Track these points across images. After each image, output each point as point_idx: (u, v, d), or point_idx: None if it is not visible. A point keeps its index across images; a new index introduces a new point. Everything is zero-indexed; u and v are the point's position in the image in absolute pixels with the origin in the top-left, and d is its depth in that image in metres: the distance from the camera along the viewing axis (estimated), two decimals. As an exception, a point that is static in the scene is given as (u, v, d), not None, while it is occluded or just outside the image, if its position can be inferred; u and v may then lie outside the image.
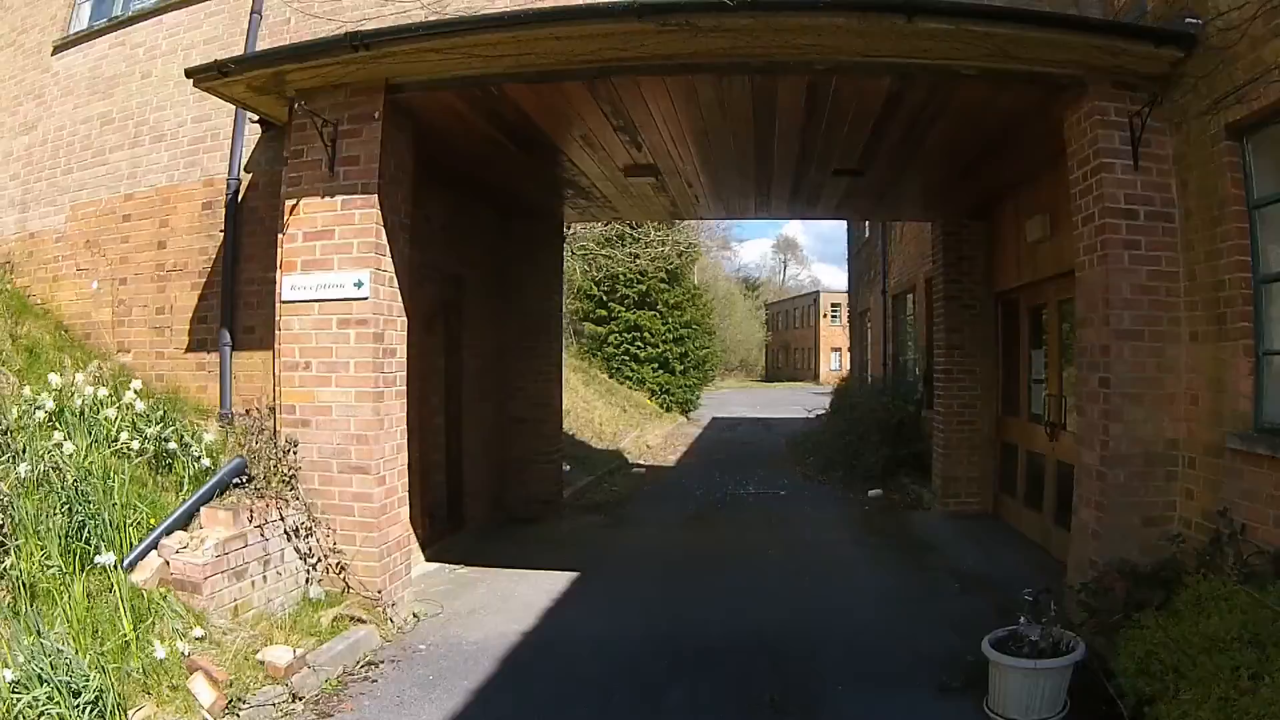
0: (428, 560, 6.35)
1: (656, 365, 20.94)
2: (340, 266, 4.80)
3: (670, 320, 21.15)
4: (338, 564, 4.79)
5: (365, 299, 4.71)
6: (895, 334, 13.16)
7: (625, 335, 20.85)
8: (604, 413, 14.95)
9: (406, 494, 5.05)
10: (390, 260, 4.88)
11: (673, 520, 7.83)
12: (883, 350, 13.52)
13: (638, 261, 16.48)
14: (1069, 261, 6.12)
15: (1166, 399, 4.38)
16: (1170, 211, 4.44)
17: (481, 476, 7.50)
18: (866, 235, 16.28)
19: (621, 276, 20.79)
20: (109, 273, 6.34)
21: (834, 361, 51.15)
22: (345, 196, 4.82)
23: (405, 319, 5.02)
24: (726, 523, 7.73)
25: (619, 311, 20.85)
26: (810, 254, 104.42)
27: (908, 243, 11.88)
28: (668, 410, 20.54)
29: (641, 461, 12.18)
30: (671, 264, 18.02)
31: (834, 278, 59.53)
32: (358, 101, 4.80)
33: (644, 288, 20.79)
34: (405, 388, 5.02)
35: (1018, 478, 7.33)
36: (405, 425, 5.02)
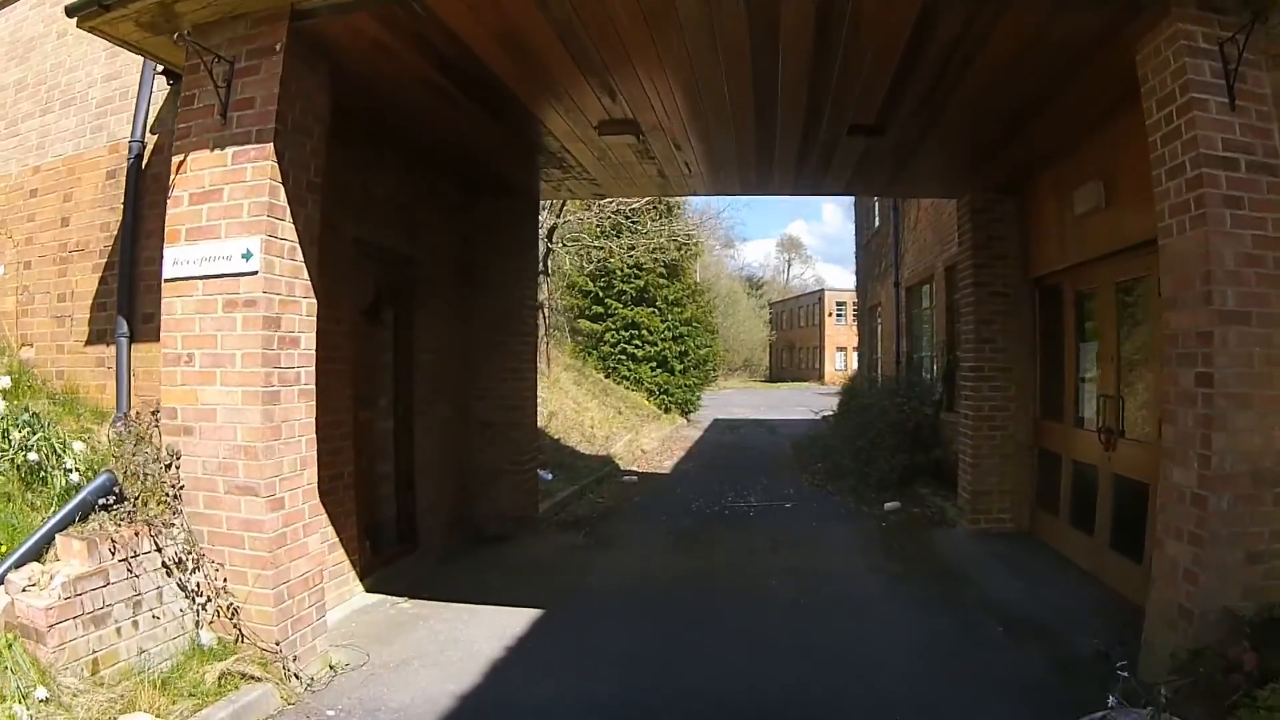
0: (368, 590, 5.37)
1: (655, 364, 19.94)
2: (229, 234, 3.83)
3: (670, 317, 20.15)
4: (229, 606, 3.82)
5: (254, 274, 3.73)
6: (909, 329, 12.14)
7: (622, 333, 19.86)
8: (597, 414, 13.97)
9: (318, 519, 4.07)
10: (292, 227, 3.89)
11: (662, 540, 6.83)
12: (895, 347, 12.49)
13: (634, 254, 15.44)
14: (1132, 234, 5.13)
15: (1275, 401, 3.42)
16: (1274, 163, 3.53)
17: (440, 490, 6.52)
18: (876, 225, 15.27)
19: (619, 271, 19.79)
20: (15, 256, 5.45)
21: (839, 361, 50.18)
22: (237, 148, 3.85)
23: (313, 301, 4.03)
24: (724, 544, 6.71)
25: (616, 308, 19.85)
26: (814, 254, 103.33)
27: (923, 229, 10.87)
28: (666, 411, 19.54)
29: (634, 468, 11.17)
30: (670, 256, 16.96)
31: (838, 277, 58.54)
32: (259, 34, 3.84)
33: (642, 283, 19.79)
34: (313, 386, 4.03)
35: (1061, 492, 6.31)
36: (313, 434, 4.03)
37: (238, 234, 3.81)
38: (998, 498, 6.95)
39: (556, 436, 10.98)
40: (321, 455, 4.95)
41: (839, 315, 51.27)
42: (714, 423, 19.91)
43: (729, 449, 14.02)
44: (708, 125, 5.14)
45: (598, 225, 16.14)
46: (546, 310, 14.39)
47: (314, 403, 4.04)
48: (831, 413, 18.32)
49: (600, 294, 20.14)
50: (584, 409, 13.73)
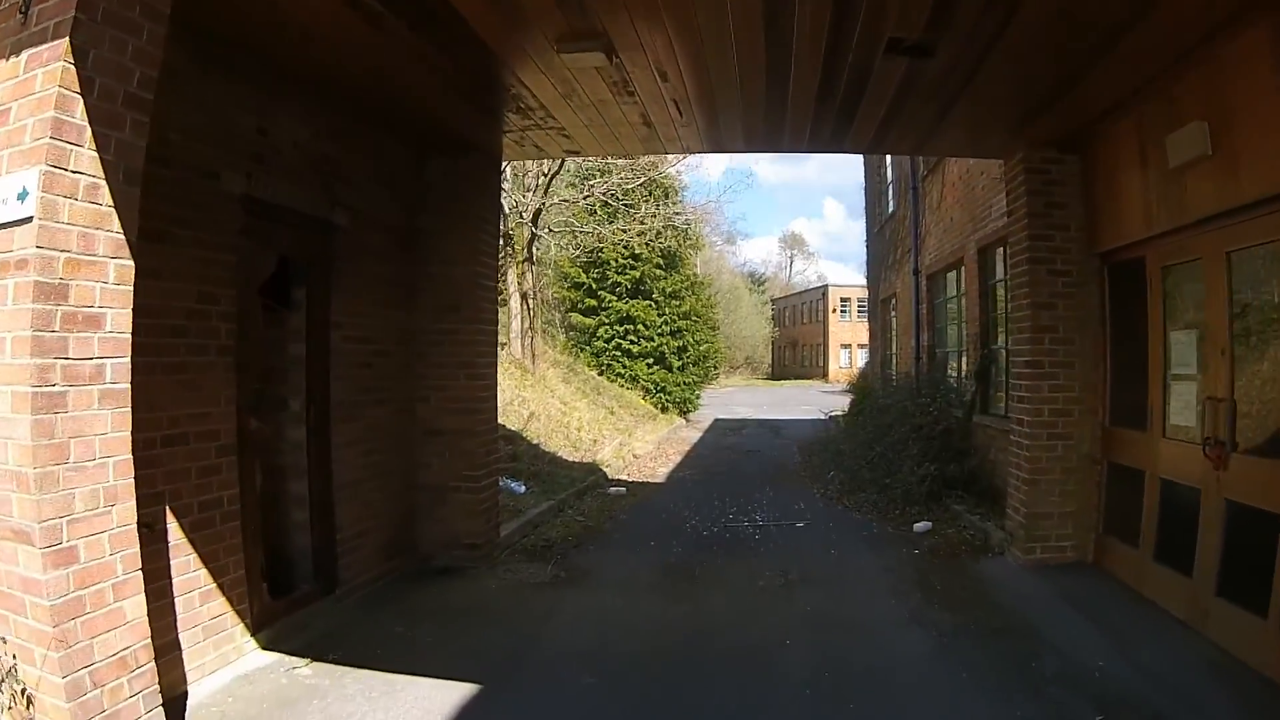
0: (264, 647, 4.16)
1: (651, 361, 18.71)
2: (9, 167, 2.62)
3: (667, 311, 18.91)
4: (23, 692, 2.63)
5: (28, 221, 2.53)
6: (930, 322, 10.90)
7: (617, 327, 18.63)
8: (586, 415, 12.74)
9: (134, 576, 2.83)
10: (94, 157, 2.67)
11: (647, 574, 5.59)
12: (914, 342, 11.25)
13: (626, 237, 14.14)
14: (1253, 188, 3.91)
15: None
16: None
17: (372, 513, 5.29)
18: (891, 210, 14.02)
19: (613, 262, 18.57)
20: None
21: (843, 358, 48.96)
22: (33, 50, 2.64)
23: (128, 264, 2.80)
24: (723, 580, 5.45)
25: (610, 301, 18.63)
26: (816, 251, 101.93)
27: (950, 208, 9.62)
28: (664, 411, 18.31)
29: (623, 477, 9.94)
30: (666, 243, 15.67)
31: (842, 274, 57.19)
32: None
33: (638, 274, 18.56)
34: (127, 386, 2.80)
35: (1142, 518, 5.06)
36: (128, 454, 2.80)
37: (18, 166, 2.60)
38: (1057, 521, 5.71)
39: (535, 441, 9.76)
40: (190, 475, 3.77)
41: (843, 311, 50.05)
42: (715, 423, 18.68)
43: (731, 453, 12.78)
44: (701, 43, 3.89)
45: (588, 209, 14.87)
46: (532, 301, 13.15)
47: (128, 410, 2.80)
48: (840, 413, 17.10)
49: (594, 286, 18.92)
50: (571, 409, 12.50)
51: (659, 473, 10.46)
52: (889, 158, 14.45)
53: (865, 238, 17.07)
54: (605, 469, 9.90)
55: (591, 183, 13.07)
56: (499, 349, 11.58)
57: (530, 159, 5.67)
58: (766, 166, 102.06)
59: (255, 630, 4.16)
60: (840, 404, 23.96)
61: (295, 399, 4.75)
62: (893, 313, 13.99)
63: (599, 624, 4.51)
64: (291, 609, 4.49)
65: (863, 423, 10.87)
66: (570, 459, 9.86)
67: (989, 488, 7.56)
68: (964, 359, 9.46)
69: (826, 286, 51.81)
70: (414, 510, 5.76)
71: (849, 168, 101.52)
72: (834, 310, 49.95)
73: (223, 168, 3.96)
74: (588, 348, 18.92)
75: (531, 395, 11.63)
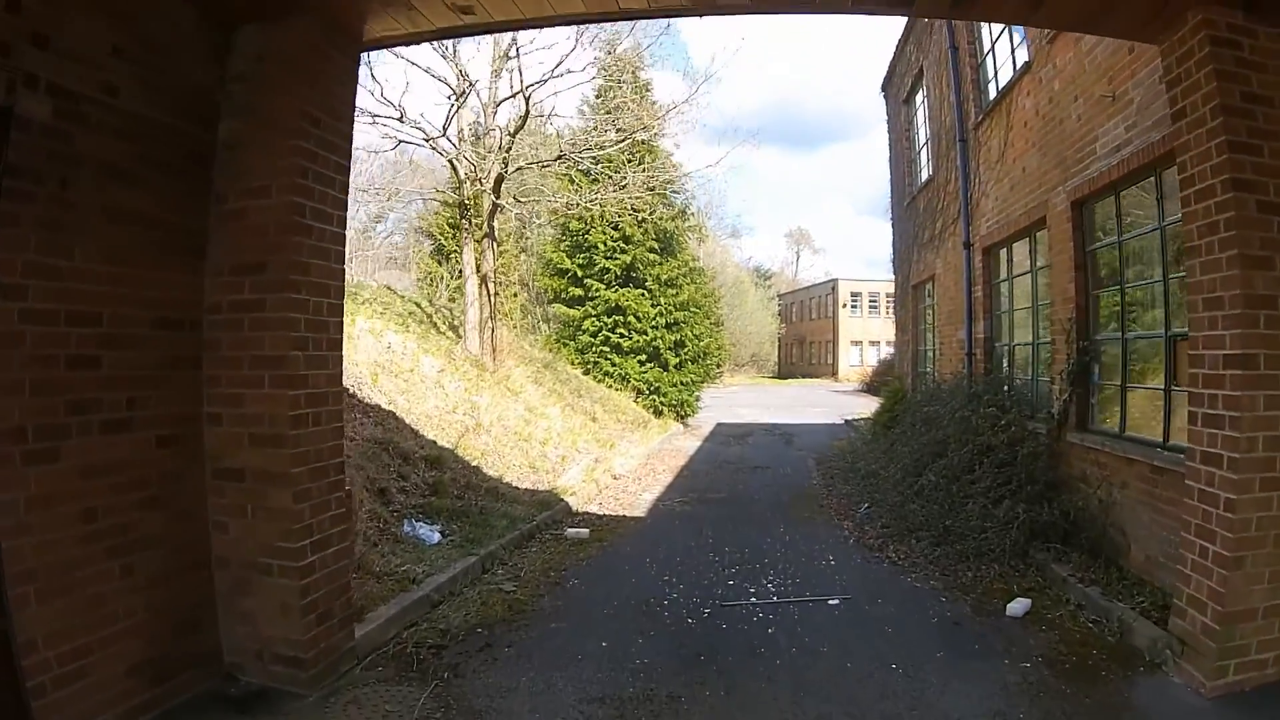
0: None
1: (644, 358, 16.39)
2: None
3: (662, 300, 16.58)
4: None
5: None
6: (987, 308, 8.58)
7: (604, 319, 16.31)
8: (557, 424, 10.46)
9: None
10: None
11: None
12: (963, 334, 8.93)
13: (605, 206, 11.72)
14: None
15: None
16: None
17: (104, 616, 3.03)
18: (925, 177, 11.69)
19: (601, 246, 16.25)
20: None
21: (854, 356, 46.47)
22: None
23: None
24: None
25: (597, 289, 16.31)
26: (825, 247, 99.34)
27: (1020, 155, 7.30)
28: (658, 415, 16.00)
29: (592, 509, 7.65)
30: (654, 213, 13.24)
31: (850, 272, 54.52)
32: None
33: (629, 258, 16.23)
34: None
35: None
36: None
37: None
38: (1263, 622, 3.43)
39: (474, 462, 7.48)
40: None
41: (854, 306, 47.57)
42: (716, 429, 16.38)
43: (734, 470, 10.47)
44: None
45: (564, 175, 12.55)
46: (493, 285, 10.87)
47: None
48: (862, 419, 14.83)
49: (579, 273, 16.61)
50: (538, 417, 10.21)
51: (641, 501, 8.16)
52: (921, 110, 12.13)
53: (890, 216, 14.74)
54: (569, 497, 7.61)
55: (567, 146, 10.74)
56: (455, 343, 9.24)
57: (399, 33, 3.31)
58: (770, 163, 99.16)
59: None
60: (855, 406, 21.64)
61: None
62: (928, 300, 11.66)
63: None
64: None
65: (901, 436, 8.56)
66: (522, 485, 7.57)
67: (1102, 541, 5.26)
68: (1037, 355, 7.15)
69: (836, 280, 49.28)
70: (204, 600, 3.49)
71: (854, 166, 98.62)
72: (844, 305, 47.44)
73: None
74: (572, 343, 16.63)
75: (486, 401, 9.36)
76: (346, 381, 7.57)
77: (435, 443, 7.34)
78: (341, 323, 3.66)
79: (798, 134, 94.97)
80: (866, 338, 46.61)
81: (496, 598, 4.80)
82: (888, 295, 48.14)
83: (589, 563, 5.67)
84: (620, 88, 12.58)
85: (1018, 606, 4.49)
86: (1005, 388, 7.40)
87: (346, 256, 4.09)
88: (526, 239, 21.06)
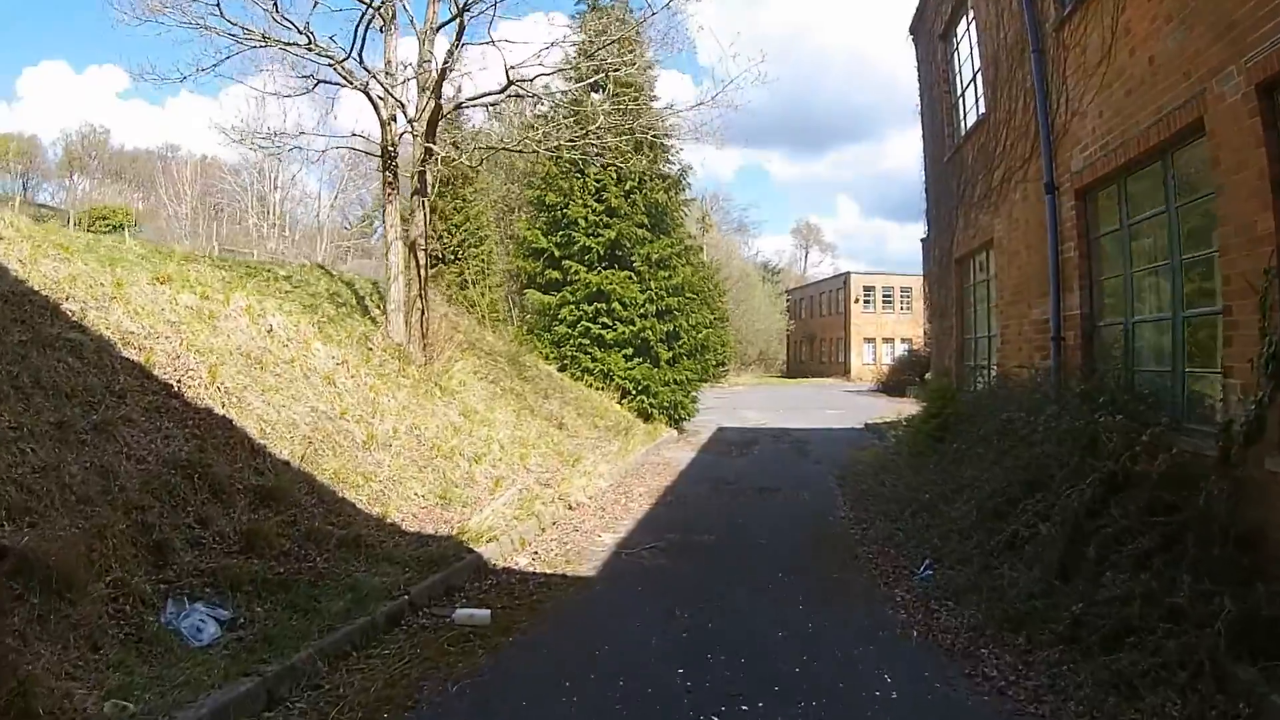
0: None
1: (631, 351, 13.98)
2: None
3: (653, 284, 14.16)
4: None
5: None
6: (1086, 273, 6.13)
7: (585, 308, 13.92)
8: (504, 433, 8.08)
9: None
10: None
11: None
12: (1052, 310, 6.44)
13: (564, 150, 9.10)
14: None
15: None
16: None
17: None
18: (972, 120, 9.22)
19: (581, 221, 13.88)
20: None
21: (868, 354, 43.87)
22: None
23: None
24: None
25: (577, 272, 13.94)
26: (835, 243, 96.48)
27: (1145, 38, 4.86)
28: (646, 419, 13.59)
29: (516, 563, 5.23)
30: (628, 161, 10.72)
31: (860, 268, 51.81)
32: None
33: (613, 234, 13.85)
34: None
35: None
36: None
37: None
38: None
39: (344, 494, 5.08)
40: None
41: (867, 301, 44.99)
42: (716, 436, 13.97)
43: (733, 494, 8.06)
44: None
45: (523, 123, 10.14)
46: (421, 255, 8.49)
47: None
48: (886, 424, 12.39)
49: (556, 253, 14.26)
50: (477, 424, 7.82)
51: (596, 547, 5.75)
52: (965, 40, 9.68)
53: (924, 181, 12.26)
54: (486, 546, 5.19)
55: (520, 77, 8.31)
56: (377, 330, 6.95)
57: None
58: (778, 164, 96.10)
59: None
60: (876, 408, 19.05)
61: None
62: (980, 274, 9.21)
63: None
64: None
65: (963, 454, 6.11)
66: (413, 529, 5.17)
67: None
68: (1181, 335, 4.74)
69: (848, 274, 46.72)
70: None
71: (862, 164, 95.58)
72: (856, 300, 44.86)
73: None
74: (547, 334, 14.26)
75: (397, 403, 6.98)
76: (168, 376, 5.21)
77: (288, 464, 4.98)
78: None
79: (805, 136, 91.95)
80: (880, 334, 44.04)
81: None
82: (903, 289, 45.73)
83: (468, 688, 3.27)
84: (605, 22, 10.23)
85: None
86: (1130, 387, 4.98)
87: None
88: (511, 225, 18.73)
